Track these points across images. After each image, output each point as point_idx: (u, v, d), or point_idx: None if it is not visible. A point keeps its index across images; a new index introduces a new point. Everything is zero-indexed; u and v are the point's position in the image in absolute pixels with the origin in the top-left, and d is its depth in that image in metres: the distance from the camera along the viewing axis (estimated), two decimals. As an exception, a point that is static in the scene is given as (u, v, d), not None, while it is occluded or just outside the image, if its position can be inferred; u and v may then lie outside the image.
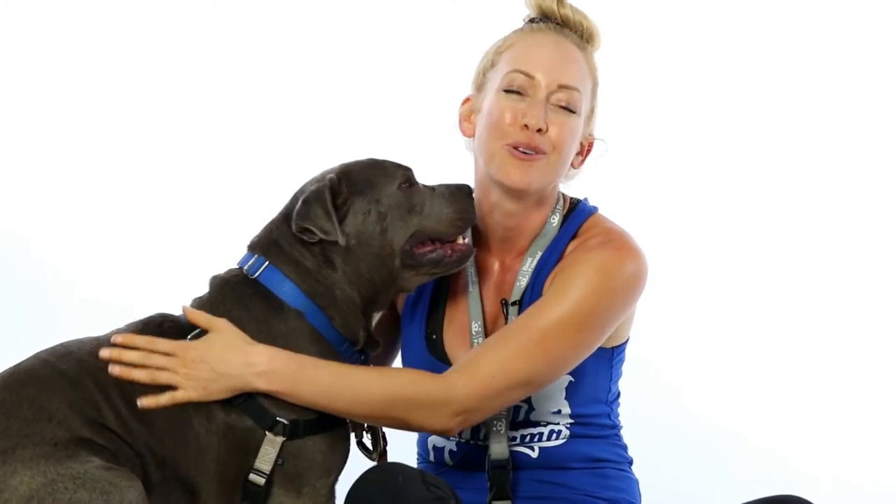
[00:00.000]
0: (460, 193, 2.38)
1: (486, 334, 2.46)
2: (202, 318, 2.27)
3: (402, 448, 2.49)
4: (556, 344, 2.33)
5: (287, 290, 2.31)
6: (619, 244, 2.41)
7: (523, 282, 2.45)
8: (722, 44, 4.14)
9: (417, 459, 2.61)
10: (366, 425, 2.38)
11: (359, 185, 2.33)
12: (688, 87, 4.14)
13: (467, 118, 2.48)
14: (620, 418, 2.56)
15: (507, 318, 2.44)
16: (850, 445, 3.91)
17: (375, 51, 4.28)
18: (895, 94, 4.12)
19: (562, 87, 2.38)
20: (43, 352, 2.26)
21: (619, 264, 2.38)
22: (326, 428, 2.29)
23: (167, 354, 2.23)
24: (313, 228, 2.29)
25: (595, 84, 2.46)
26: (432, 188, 2.39)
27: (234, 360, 2.23)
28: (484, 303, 2.49)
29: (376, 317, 2.44)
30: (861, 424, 3.95)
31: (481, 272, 2.51)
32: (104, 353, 2.21)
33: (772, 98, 4.15)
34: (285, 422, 2.25)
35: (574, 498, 2.45)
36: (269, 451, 2.25)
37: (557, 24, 2.44)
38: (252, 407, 2.25)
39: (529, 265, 2.46)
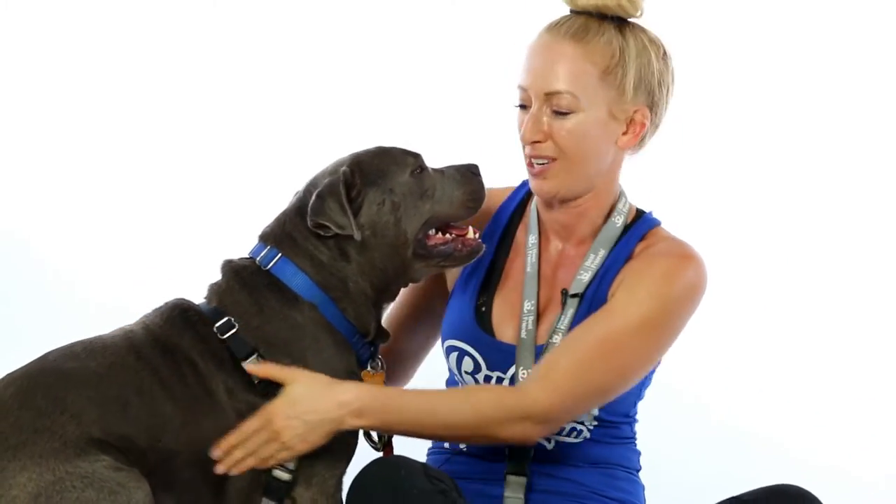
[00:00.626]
0: (469, 174, 2.39)
1: (538, 316, 2.48)
2: (276, 372, 2.25)
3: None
4: (630, 353, 2.36)
5: (300, 282, 2.32)
6: (683, 252, 2.44)
7: (586, 276, 2.46)
8: (723, 40, 4.14)
9: (430, 447, 2.61)
10: None
11: (371, 175, 2.33)
12: (689, 86, 4.14)
13: None
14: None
15: (563, 307, 2.46)
16: (852, 438, 3.93)
17: (376, 50, 4.27)
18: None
19: (549, 94, 2.39)
20: (77, 344, 2.26)
21: (683, 271, 2.40)
22: None
23: (258, 431, 2.22)
24: (329, 224, 2.30)
25: (609, 64, 2.40)
26: (441, 171, 2.39)
27: (324, 407, 2.22)
28: (540, 283, 2.50)
29: (386, 308, 2.45)
30: (863, 418, 3.96)
31: (542, 252, 2.52)
32: (220, 470, 2.21)
33: (772, 103, 4.15)
34: None
35: (582, 494, 2.46)
36: None
37: (576, 12, 2.42)
38: None
39: (592, 261, 2.47)
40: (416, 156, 2.37)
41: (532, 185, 2.46)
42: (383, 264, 2.34)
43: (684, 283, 2.40)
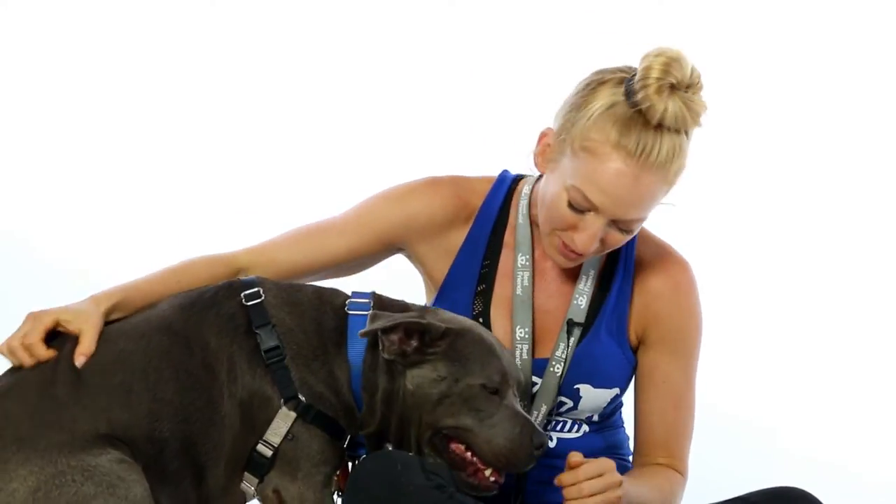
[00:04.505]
0: (524, 438, 2.27)
1: (534, 338, 2.48)
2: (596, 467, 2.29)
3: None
4: (690, 387, 2.52)
5: (357, 348, 2.33)
6: (673, 261, 2.50)
7: (582, 301, 2.47)
8: (722, 39, 4.15)
9: None
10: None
11: (457, 353, 2.28)
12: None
13: (542, 154, 2.41)
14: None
15: (569, 338, 2.45)
16: (854, 437, 3.94)
17: (376, 50, 4.28)
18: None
19: (623, 221, 2.33)
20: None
21: (690, 280, 2.50)
22: (329, 430, 2.32)
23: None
24: (384, 341, 2.28)
25: (676, 179, 2.35)
26: (514, 411, 2.29)
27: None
28: (536, 305, 2.49)
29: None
30: (865, 417, 3.97)
31: (536, 271, 2.51)
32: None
33: (776, 95, 4.17)
34: (303, 399, 2.27)
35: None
36: (280, 424, 2.26)
37: (650, 125, 2.27)
38: (282, 375, 2.28)
39: (585, 283, 2.48)
40: (504, 381, 2.29)
41: (558, 261, 2.40)
42: (399, 418, 2.31)
43: (697, 304, 2.51)
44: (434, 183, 2.53)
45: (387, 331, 2.26)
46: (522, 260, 2.49)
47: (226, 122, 4.27)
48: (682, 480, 2.48)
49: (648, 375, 2.47)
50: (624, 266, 2.48)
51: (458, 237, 2.52)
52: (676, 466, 2.47)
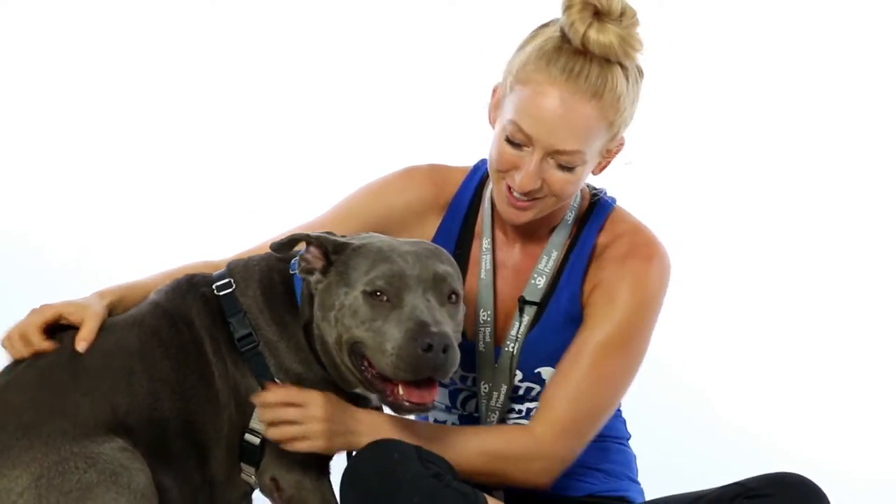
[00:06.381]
0: (409, 342, 2.15)
1: (496, 322, 2.48)
2: (295, 395, 2.28)
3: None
4: (618, 369, 2.40)
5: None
6: (645, 251, 2.43)
7: (541, 282, 2.46)
8: (723, 40, 4.17)
9: None
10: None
11: (347, 266, 2.24)
12: (690, 86, 4.16)
13: (495, 107, 2.41)
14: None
15: (521, 314, 2.45)
16: (848, 433, 3.95)
17: (376, 50, 4.30)
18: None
19: (559, 151, 2.31)
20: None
21: (649, 272, 2.41)
22: None
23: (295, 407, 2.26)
24: (300, 261, 2.30)
25: (615, 118, 2.32)
26: (406, 316, 2.18)
27: (348, 420, 2.28)
28: (497, 288, 2.49)
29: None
30: (860, 413, 3.98)
31: (498, 254, 2.51)
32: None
33: (776, 96, 4.18)
34: (279, 383, 2.30)
35: (571, 470, 2.47)
36: None
37: (578, 50, 2.29)
38: (258, 362, 2.30)
39: (546, 264, 2.47)
40: (394, 283, 2.19)
41: (505, 212, 2.38)
42: (322, 347, 2.29)
43: (655, 282, 2.42)
44: (410, 171, 2.55)
45: (301, 247, 2.29)
46: (486, 243, 2.49)
47: (227, 120, 4.29)
48: (530, 443, 2.35)
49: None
50: (581, 246, 2.46)
51: (433, 227, 2.53)
52: (536, 432, 2.36)
